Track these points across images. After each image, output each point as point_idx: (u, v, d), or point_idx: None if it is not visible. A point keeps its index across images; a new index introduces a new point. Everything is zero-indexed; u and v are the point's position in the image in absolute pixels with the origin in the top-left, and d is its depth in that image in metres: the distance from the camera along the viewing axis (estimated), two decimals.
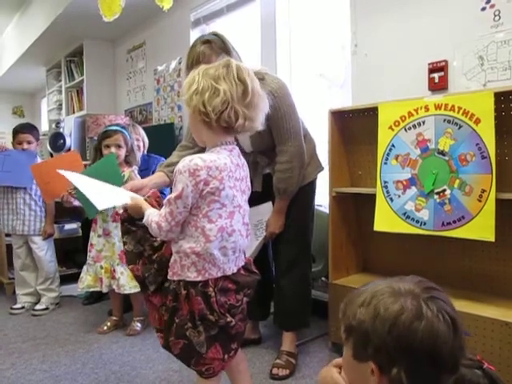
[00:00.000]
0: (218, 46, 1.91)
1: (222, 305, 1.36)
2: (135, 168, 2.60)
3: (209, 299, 1.33)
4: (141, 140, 3.11)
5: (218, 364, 1.40)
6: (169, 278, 1.40)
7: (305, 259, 2.19)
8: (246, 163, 1.48)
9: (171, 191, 1.36)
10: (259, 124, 1.38)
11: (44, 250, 3.03)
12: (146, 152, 3.20)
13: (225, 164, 1.32)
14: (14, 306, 3.03)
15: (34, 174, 2.81)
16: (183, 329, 1.36)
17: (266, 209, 2.09)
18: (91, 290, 2.66)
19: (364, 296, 0.80)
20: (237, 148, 1.44)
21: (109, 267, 2.54)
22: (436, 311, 0.75)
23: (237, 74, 1.31)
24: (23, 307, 3.04)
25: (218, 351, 1.38)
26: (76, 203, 2.74)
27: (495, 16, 2.00)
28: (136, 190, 1.70)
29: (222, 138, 1.37)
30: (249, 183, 1.49)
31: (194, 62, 1.86)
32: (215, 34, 1.97)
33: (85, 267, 2.63)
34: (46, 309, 3.00)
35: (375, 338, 0.75)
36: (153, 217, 1.37)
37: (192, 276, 1.35)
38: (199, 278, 1.34)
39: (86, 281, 2.59)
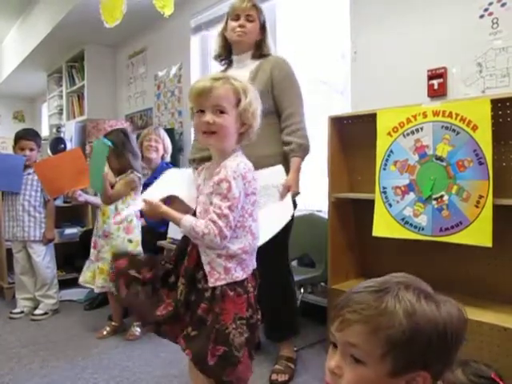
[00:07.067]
0: (259, 13, 2.09)
1: (255, 300, 1.40)
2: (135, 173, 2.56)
3: (249, 294, 1.38)
4: (160, 143, 3.08)
5: (247, 371, 1.38)
6: (211, 285, 1.35)
7: (286, 271, 2.12)
8: None
9: None
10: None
11: (41, 256, 3.01)
12: (168, 157, 3.15)
13: (251, 166, 1.40)
14: (14, 311, 3.03)
15: (37, 172, 2.82)
16: (225, 333, 1.32)
17: (278, 172, 1.91)
18: (87, 285, 2.68)
19: (402, 306, 0.74)
20: None
21: (105, 269, 2.54)
22: (456, 311, 0.77)
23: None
24: (22, 312, 3.03)
25: (246, 356, 1.37)
26: (81, 199, 2.77)
27: (493, 23, 2.02)
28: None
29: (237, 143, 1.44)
30: None
31: (232, 14, 2.07)
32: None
33: (87, 262, 2.67)
34: (45, 313, 3.00)
35: (427, 345, 0.72)
36: (203, 227, 1.31)
37: (240, 275, 1.37)
38: (244, 276, 1.38)
39: (86, 276, 2.64)
